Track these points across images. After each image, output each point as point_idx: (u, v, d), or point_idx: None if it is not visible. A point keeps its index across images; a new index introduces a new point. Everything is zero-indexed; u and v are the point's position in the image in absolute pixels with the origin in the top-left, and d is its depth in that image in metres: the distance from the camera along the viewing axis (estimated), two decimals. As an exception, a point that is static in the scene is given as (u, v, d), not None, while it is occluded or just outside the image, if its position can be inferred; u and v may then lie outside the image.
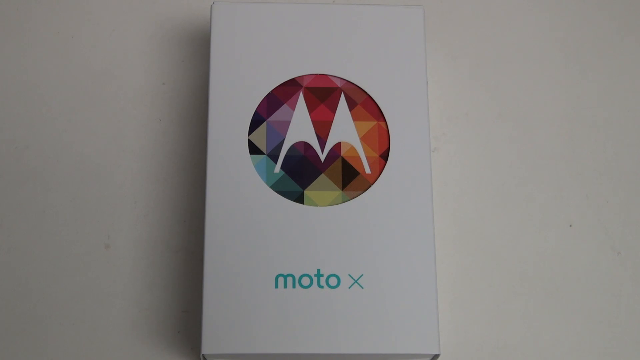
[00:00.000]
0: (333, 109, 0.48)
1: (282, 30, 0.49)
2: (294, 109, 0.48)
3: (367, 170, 0.47)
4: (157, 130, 0.53)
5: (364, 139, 0.47)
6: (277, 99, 0.48)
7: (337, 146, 0.47)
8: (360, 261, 0.45)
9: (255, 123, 0.47)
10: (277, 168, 0.46)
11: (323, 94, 0.48)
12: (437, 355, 0.44)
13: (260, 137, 0.47)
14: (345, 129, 0.47)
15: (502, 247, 0.51)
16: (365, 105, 0.48)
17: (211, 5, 0.49)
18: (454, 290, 0.50)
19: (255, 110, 0.47)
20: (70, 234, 0.50)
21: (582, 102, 0.54)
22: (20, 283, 0.49)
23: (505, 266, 0.51)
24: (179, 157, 0.52)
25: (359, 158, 0.47)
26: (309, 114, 0.48)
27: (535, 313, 0.50)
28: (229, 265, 0.44)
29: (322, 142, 0.47)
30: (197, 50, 0.55)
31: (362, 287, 0.44)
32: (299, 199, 0.46)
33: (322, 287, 0.44)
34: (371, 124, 0.48)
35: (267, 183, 0.46)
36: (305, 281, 0.44)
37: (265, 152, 0.47)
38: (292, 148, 0.47)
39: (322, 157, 0.47)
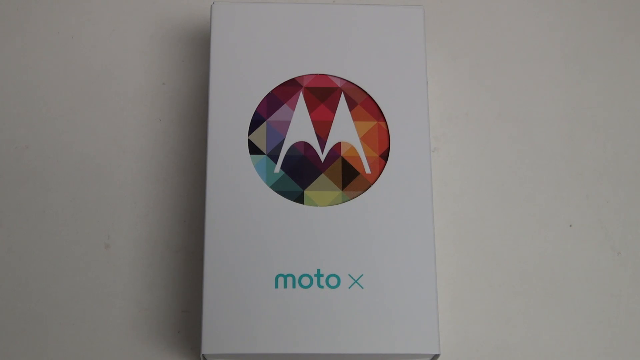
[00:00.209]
0: (333, 109, 0.48)
1: (282, 30, 0.49)
2: (294, 109, 0.48)
3: (367, 170, 0.47)
4: (157, 130, 0.53)
5: (364, 139, 0.47)
6: (277, 99, 0.48)
7: (337, 146, 0.47)
8: (360, 261, 0.45)
9: (255, 123, 0.47)
10: (277, 168, 0.46)
11: (323, 94, 0.48)
12: (437, 355, 0.44)
13: (260, 137, 0.47)
14: (345, 129, 0.47)
15: (502, 247, 0.51)
16: (365, 105, 0.48)
17: (211, 5, 0.49)
18: (454, 290, 0.50)
19: (255, 110, 0.47)
20: (70, 234, 0.50)
21: (582, 102, 0.54)
22: (20, 283, 0.49)
23: (505, 266, 0.51)
24: (179, 157, 0.52)
25: (359, 158, 0.47)
26: (309, 114, 0.48)
27: (535, 313, 0.50)
28: (229, 265, 0.44)
29: (322, 142, 0.47)
30: (197, 50, 0.55)
31: (362, 287, 0.44)
32: (299, 199, 0.46)
33: (322, 287, 0.44)
34: (371, 124, 0.48)
35: (267, 183, 0.46)
36: (305, 281, 0.44)
37: (265, 152, 0.47)
38: (292, 148, 0.47)
39: (322, 157, 0.47)
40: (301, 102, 0.48)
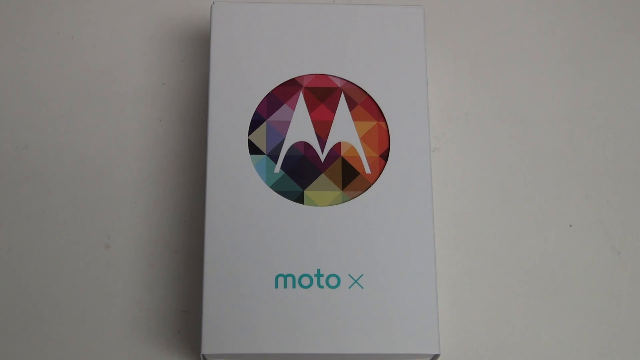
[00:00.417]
0: (333, 109, 0.48)
1: (282, 30, 0.49)
2: (294, 109, 0.48)
3: (367, 170, 0.47)
4: (157, 130, 0.53)
5: (364, 139, 0.47)
6: (277, 99, 0.48)
7: (337, 146, 0.47)
8: (360, 261, 0.45)
9: (255, 123, 0.47)
10: (277, 168, 0.46)
11: (323, 94, 0.48)
12: (437, 355, 0.44)
13: (260, 137, 0.47)
14: (345, 129, 0.47)
15: (502, 247, 0.51)
16: (365, 105, 0.48)
17: (211, 5, 0.49)
18: (454, 290, 0.50)
19: (255, 110, 0.47)
20: (70, 234, 0.50)
21: (582, 102, 0.54)
22: (20, 283, 0.49)
23: (505, 266, 0.51)
24: (179, 157, 0.52)
25: (359, 158, 0.47)
26: (309, 114, 0.48)
27: (535, 313, 0.50)
28: (229, 265, 0.44)
29: (322, 142, 0.47)
30: (197, 50, 0.55)
31: (362, 287, 0.44)
32: (299, 199, 0.46)
33: (322, 287, 0.44)
34: (371, 124, 0.48)
35: (267, 183, 0.46)
36: (305, 281, 0.44)
37: (265, 152, 0.47)
38: (292, 148, 0.47)
39: (322, 157, 0.47)
40: (301, 102, 0.48)
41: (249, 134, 0.47)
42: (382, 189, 0.46)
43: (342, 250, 0.45)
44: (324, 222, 0.45)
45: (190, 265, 0.50)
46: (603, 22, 0.56)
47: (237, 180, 0.46)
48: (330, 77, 0.48)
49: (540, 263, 0.51)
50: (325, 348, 0.44)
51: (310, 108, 0.48)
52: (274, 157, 0.47)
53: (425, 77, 0.48)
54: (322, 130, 0.47)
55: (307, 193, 0.46)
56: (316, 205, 0.46)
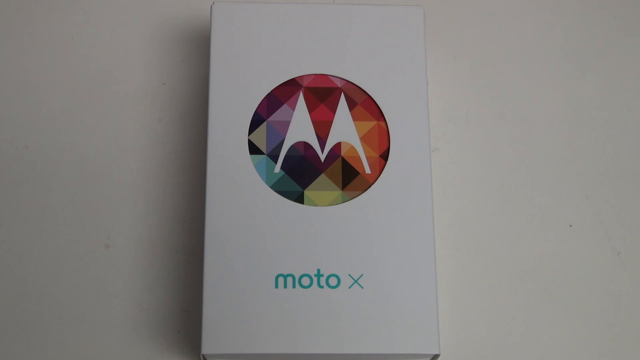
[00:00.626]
0: (333, 109, 0.48)
1: (282, 30, 0.49)
2: (294, 109, 0.48)
3: (367, 170, 0.47)
4: (157, 130, 0.53)
5: (364, 139, 0.47)
6: (277, 99, 0.48)
7: (337, 146, 0.47)
8: (360, 261, 0.45)
9: (255, 123, 0.47)
10: (277, 168, 0.46)
11: (323, 94, 0.48)
12: (437, 355, 0.44)
13: (260, 137, 0.47)
14: (345, 129, 0.47)
15: (502, 247, 0.51)
16: (365, 105, 0.48)
17: (211, 5, 0.49)
18: (454, 290, 0.50)
19: (255, 110, 0.47)
20: (70, 234, 0.50)
21: (582, 102, 0.54)
22: (20, 283, 0.49)
23: (505, 266, 0.51)
24: (179, 157, 0.52)
25: (359, 158, 0.47)
26: (309, 114, 0.48)
27: (535, 313, 0.50)
28: (229, 265, 0.44)
29: (322, 142, 0.47)
30: (197, 50, 0.55)
31: (362, 287, 0.44)
32: (299, 199, 0.46)
33: (322, 287, 0.44)
34: (371, 124, 0.48)
35: (267, 183, 0.46)
36: (305, 281, 0.44)
37: (265, 152, 0.47)
38: (292, 148, 0.47)
39: (322, 157, 0.47)
40: (301, 102, 0.48)
41: (249, 134, 0.47)
42: (382, 189, 0.46)
43: (342, 250, 0.45)
44: (324, 222, 0.45)
45: (190, 265, 0.50)
46: (603, 22, 0.56)
47: (237, 180, 0.46)
48: (330, 77, 0.48)
49: (540, 263, 0.51)
50: (325, 348, 0.44)
51: (310, 108, 0.48)
52: (274, 157, 0.47)
53: (425, 77, 0.48)
54: (322, 130, 0.47)
55: (307, 193, 0.46)
56: (316, 205, 0.46)
